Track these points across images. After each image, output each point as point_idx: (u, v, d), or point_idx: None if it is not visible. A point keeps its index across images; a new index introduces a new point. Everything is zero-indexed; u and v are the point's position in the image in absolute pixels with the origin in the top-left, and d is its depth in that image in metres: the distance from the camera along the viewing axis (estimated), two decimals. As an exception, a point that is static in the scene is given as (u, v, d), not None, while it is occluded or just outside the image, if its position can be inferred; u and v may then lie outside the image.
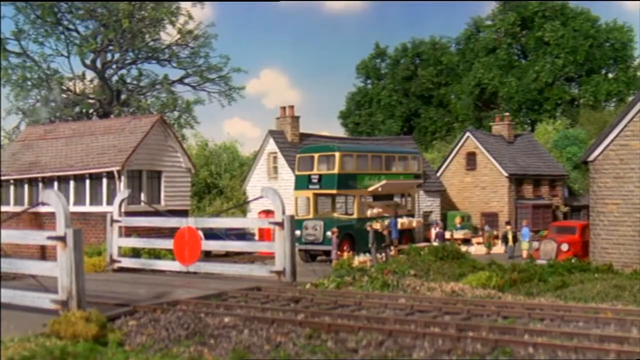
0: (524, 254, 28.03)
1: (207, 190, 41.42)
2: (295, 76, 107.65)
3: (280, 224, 18.42)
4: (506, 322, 11.89)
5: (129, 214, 23.76)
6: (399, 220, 30.10)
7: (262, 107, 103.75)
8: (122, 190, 24.41)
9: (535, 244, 26.85)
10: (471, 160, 41.70)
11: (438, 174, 41.71)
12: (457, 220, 37.62)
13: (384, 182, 30.65)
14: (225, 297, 15.14)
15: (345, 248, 26.58)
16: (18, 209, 26.62)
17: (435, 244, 26.48)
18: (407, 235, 31.07)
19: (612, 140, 22.07)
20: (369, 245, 25.99)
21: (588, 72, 61.24)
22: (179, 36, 46.01)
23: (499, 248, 32.37)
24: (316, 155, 29.72)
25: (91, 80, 46.38)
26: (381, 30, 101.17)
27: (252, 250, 25.25)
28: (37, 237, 13.82)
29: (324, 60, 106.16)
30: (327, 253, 27.00)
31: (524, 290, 16.40)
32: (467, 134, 42.42)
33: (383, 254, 26.00)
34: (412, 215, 32.86)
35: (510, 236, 30.51)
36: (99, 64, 45.27)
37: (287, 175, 33.91)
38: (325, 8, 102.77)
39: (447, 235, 33.99)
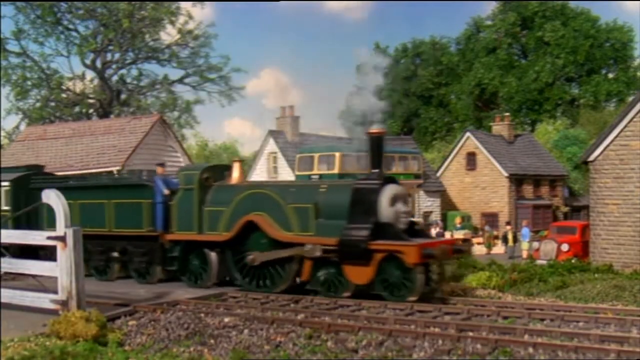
0: (524, 254, 28.03)
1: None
2: (295, 76, 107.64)
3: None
4: (506, 322, 11.89)
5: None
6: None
7: (262, 107, 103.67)
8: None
9: (536, 244, 26.85)
10: (471, 160, 41.73)
11: (438, 174, 41.72)
12: (457, 220, 37.64)
13: (384, 182, 30.61)
14: (225, 297, 15.14)
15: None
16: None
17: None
18: (407, 235, 30.99)
19: (612, 140, 22.07)
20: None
21: (588, 72, 61.26)
22: (179, 36, 46.06)
23: (499, 248, 32.38)
24: (316, 155, 29.73)
25: (91, 80, 46.43)
26: (381, 30, 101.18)
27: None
28: (37, 237, 13.80)
29: (324, 60, 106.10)
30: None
31: (524, 290, 16.40)
32: (467, 134, 42.46)
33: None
34: (412, 216, 32.85)
35: (510, 236, 30.51)
36: (99, 64, 45.30)
37: (287, 175, 33.95)
38: (325, 8, 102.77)
39: (447, 235, 34.01)
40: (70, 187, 18.86)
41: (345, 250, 13.71)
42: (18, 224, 20.55)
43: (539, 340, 10.32)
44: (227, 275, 16.12)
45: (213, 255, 15.99)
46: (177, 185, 16.81)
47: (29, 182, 19.91)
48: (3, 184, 20.52)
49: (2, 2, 41.47)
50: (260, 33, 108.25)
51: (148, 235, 16.86)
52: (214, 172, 16.59)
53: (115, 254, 17.90)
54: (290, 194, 14.90)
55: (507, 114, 47.96)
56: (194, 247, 16.25)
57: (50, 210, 18.63)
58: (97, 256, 18.07)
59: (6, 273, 14.73)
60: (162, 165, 18.01)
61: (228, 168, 16.94)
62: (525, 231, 29.27)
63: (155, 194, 16.78)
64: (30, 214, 20.07)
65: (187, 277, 16.41)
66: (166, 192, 16.70)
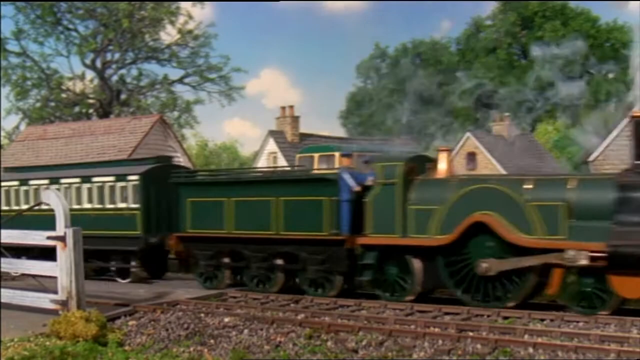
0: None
1: (207, 190, 41.37)
2: (295, 76, 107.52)
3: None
4: (506, 322, 11.89)
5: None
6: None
7: (262, 107, 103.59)
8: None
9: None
10: (471, 160, 41.71)
11: (438, 174, 41.70)
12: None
13: (384, 182, 30.53)
14: (225, 297, 15.14)
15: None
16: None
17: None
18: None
19: (612, 140, 22.08)
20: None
21: (588, 72, 61.29)
22: (179, 36, 46.03)
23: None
24: (316, 155, 29.66)
25: (91, 80, 46.42)
26: (381, 30, 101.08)
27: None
28: (36, 237, 13.81)
29: (324, 60, 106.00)
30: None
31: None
32: (467, 133, 42.50)
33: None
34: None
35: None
36: (98, 64, 45.29)
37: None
38: (325, 8, 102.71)
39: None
40: (222, 182, 16.80)
41: (619, 258, 11.37)
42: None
43: (539, 340, 10.32)
44: (433, 285, 14.07)
45: (417, 263, 13.55)
46: (364, 179, 14.40)
47: (160, 175, 17.78)
48: (130, 177, 18.21)
49: (2, 2, 41.47)
50: (260, 33, 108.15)
51: (329, 239, 14.33)
52: (416, 163, 14.06)
53: (280, 262, 15.32)
54: (528, 190, 12.54)
55: (507, 114, 47.97)
56: (392, 253, 13.79)
57: (193, 208, 16.25)
58: (257, 263, 15.52)
59: (6, 273, 14.70)
60: (348, 155, 15.29)
61: (428, 159, 14.56)
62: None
63: (340, 190, 14.23)
64: (160, 212, 17.92)
65: (383, 288, 14.04)
66: (357, 188, 14.15)
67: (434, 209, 13.13)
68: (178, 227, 16.74)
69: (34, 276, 14.54)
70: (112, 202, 18.44)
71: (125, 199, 18.24)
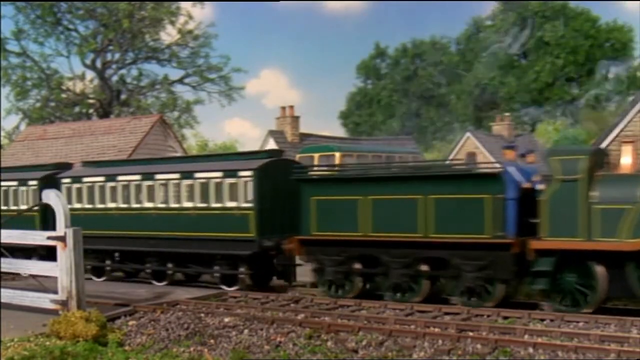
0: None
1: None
2: (295, 76, 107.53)
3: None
4: (506, 322, 11.89)
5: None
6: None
7: (262, 107, 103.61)
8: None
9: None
10: (471, 160, 41.79)
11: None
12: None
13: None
14: (225, 297, 15.14)
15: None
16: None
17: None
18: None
19: (612, 140, 22.08)
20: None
21: (588, 72, 61.31)
22: (179, 36, 46.08)
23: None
24: (316, 156, 29.71)
25: (91, 80, 46.46)
26: (381, 30, 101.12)
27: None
28: (37, 237, 13.81)
29: (324, 60, 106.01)
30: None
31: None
32: (467, 134, 42.55)
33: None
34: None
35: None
36: (99, 64, 45.32)
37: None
38: (325, 8, 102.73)
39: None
40: (357, 178, 14.92)
41: None
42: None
43: (539, 340, 10.32)
44: (618, 295, 12.60)
45: (600, 270, 12.08)
46: (530, 174, 13.26)
47: (274, 171, 16.11)
48: (242, 173, 16.08)
49: (2, 2, 41.49)
50: (260, 33, 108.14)
51: (492, 242, 12.68)
52: (597, 157, 12.66)
53: (425, 268, 13.69)
54: None
55: (508, 114, 48.06)
56: (570, 258, 12.28)
57: (319, 208, 14.41)
58: (398, 270, 13.80)
59: (6, 273, 14.71)
60: (512, 147, 13.63)
61: (605, 153, 13.06)
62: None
63: (505, 187, 12.68)
64: (275, 212, 16.01)
65: (558, 297, 12.56)
66: (526, 184, 12.94)
67: (626, 208, 11.69)
68: (299, 229, 15.01)
69: (34, 276, 14.55)
70: (219, 200, 16.42)
71: (236, 197, 16.24)
